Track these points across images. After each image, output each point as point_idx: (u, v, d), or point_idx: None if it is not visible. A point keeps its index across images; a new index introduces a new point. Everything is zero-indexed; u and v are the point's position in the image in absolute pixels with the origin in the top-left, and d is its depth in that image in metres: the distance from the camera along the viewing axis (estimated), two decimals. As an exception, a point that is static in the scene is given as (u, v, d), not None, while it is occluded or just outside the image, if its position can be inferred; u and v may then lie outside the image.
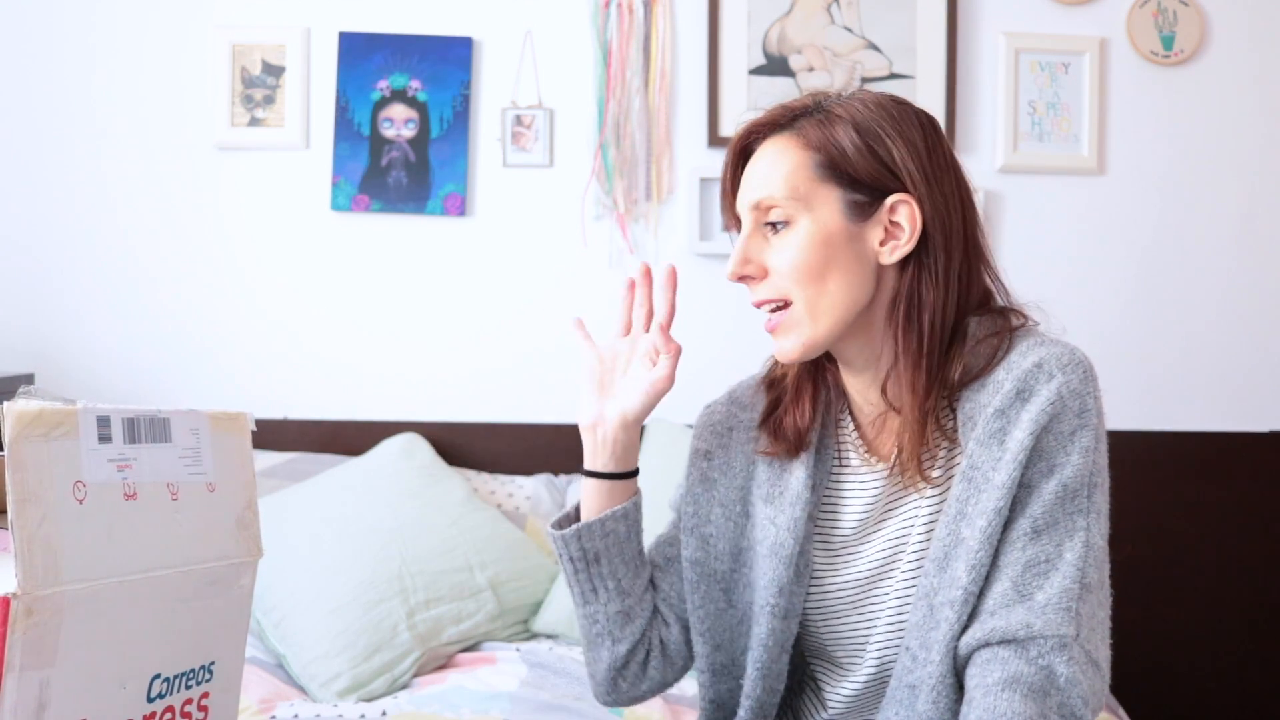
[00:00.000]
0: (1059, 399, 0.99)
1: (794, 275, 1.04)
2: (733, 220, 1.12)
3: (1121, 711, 1.91)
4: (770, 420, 1.15)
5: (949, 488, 1.04)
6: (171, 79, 2.52)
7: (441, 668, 2.00)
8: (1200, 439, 2.55)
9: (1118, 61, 2.54)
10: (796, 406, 1.13)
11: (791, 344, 1.06)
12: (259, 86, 2.52)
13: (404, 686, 1.92)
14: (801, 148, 1.06)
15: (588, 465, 1.17)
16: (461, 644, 2.05)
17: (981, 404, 1.02)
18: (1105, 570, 1.01)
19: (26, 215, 2.52)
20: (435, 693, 1.84)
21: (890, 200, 1.05)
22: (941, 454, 1.05)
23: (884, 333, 1.06)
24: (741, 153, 1.12)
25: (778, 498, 1.12)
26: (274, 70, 2.52)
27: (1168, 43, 2.53)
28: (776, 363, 1.18)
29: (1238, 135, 2.56)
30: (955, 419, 1.05)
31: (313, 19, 2.53)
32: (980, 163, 2.54)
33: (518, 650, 2.03)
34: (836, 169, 1.05)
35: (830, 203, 1.04)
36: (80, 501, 0.74)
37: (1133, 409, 2.55)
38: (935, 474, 1.05)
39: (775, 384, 1.17)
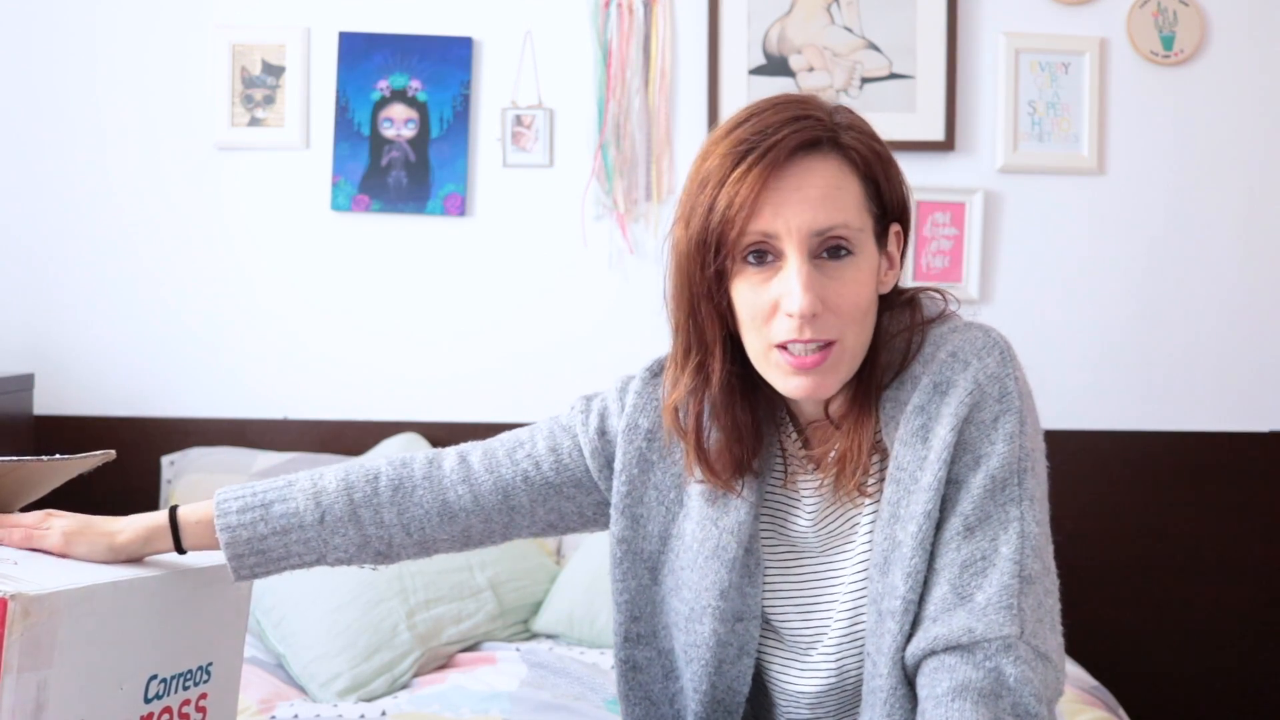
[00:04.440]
0: (977, 387, 0.96)
1: (855, 312, 0.96)
2: (749, 247, 0.96)
3: (1122, 711, 1.91)
4: (701, 453, 1.05)
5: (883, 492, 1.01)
6: (172, 79, 2.52)
7: (441, 668, 2.01)
8: (1200, 439, 2.55)
9: (1118, 61, 2.54)
10: (736, 442, 1.04)
11: (833, 383, 0.98)
12: (259, 86, 2.52)
13: (404, 686, 1.93)
14: (853, 172, 0.98)
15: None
16: (461, 644, 2.05)
17: (901, 402, 0.99)
18: (1047, 556, 0.98)
19: (27, 215, 2.52)
20: (435, 693, 1.84)
21: (893, 230, 1.02)
22: (874, 464, 1.02)
23: None
24: (769, 166, 0.94)
25: (721, 499, 1.06)
26: (274, 70, 2.52)
27: (1168, 43, 2.53)
28: (679, 393, 1.05)
29: (1238, 135, 2.55)
30: (880, 422, 1.01)
31: (313, 19, 2.53)
32: (980, 163, 2.54)
33: (518, 650, 2.04)
34: (879, 198, 1.00)
35: (870, 233, 0.99)
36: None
37: (1133, 409, 2.55)
38: (869, 484, 1.02)
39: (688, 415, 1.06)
